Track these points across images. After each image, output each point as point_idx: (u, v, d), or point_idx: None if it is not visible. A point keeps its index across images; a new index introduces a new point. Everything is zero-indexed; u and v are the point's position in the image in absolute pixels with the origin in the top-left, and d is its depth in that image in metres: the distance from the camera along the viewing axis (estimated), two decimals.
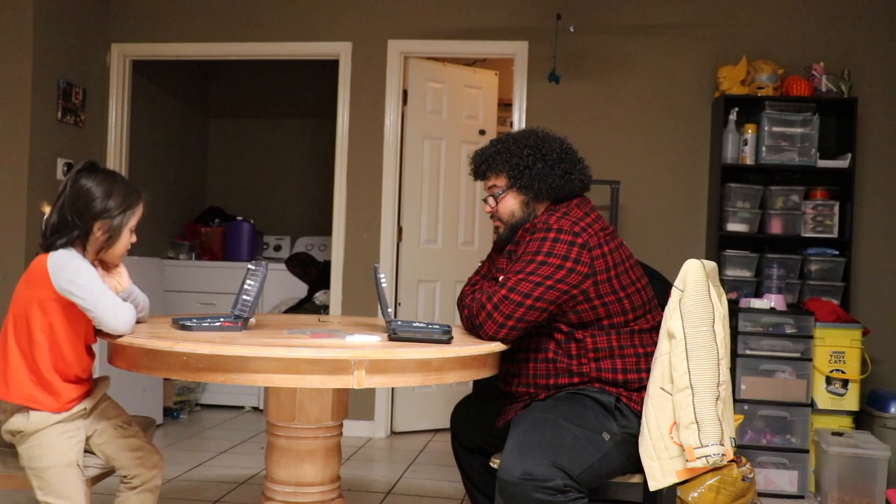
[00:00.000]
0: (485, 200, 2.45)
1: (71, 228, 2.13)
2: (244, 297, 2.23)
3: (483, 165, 2.41)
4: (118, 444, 2.30)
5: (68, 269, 2.09)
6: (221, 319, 2.16)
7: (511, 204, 2.38)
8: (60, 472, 2.14)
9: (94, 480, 2.30)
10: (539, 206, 2.37)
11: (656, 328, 2.26)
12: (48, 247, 2.15)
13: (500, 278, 2.24)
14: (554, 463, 2.04)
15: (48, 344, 2.14)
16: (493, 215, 2.44)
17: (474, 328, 2.20)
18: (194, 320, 2.16)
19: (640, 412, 2.20)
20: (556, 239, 2.19)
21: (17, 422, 2.14)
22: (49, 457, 2.14)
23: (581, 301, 2.20)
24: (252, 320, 2.46)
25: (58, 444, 2.16)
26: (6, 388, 2.15)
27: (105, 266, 2.24)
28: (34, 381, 2.14)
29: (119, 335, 2.05)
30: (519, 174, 2.33)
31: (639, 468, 2.19)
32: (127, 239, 2.22)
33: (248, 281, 2.25)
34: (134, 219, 2.22)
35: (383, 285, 2.28)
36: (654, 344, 2.23)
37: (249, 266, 2.28)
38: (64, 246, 2.14)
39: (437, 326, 2.13)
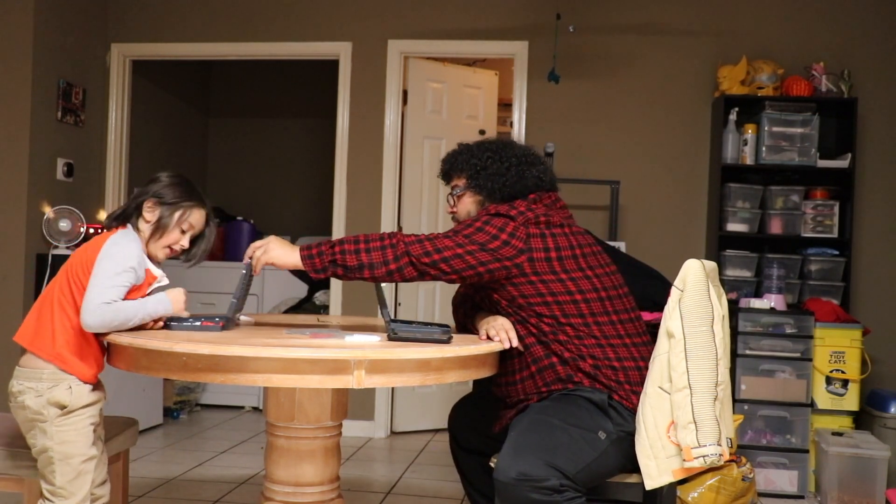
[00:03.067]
0: (447, 200, 2.50)
1: (129, 203, 2.24)
2: (232, 298, 2.23)
3: (446, 166, 2.49)
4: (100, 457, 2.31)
5: (115, 245, 2.14)
6: (203, 319, 2.17)
7: (467, 203, 2.42)
8: (84, 465, 2.14)
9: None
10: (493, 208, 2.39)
11: (623, 318, 2.27)
12: (108, 224, 2.24)
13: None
14: (549, 463, 2.04)
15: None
16: (454, 217, 2.48)
17: (383, 244, 2.18)
18: (178, 320, 2.16)
19: (635, 410, 2.20)
20: (492, 216, 2.24)
21: (61, 394, 2.12)
22: (79, 443, 2.13)
23: (517, 275, 2.21)
24: (247, 319, 2.46)
25: (88, 431, 2.16)
26: (51, 343, 2.13)
27: (151, 259, 2.26)
28: (75, 342, 2.14)
29: (85, 326, 2.06)
30: (475, 174, 2.39)
31: (637, 467, 2.19)
32: (175, 236, 2.24)
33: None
34: (187, 219, 2.24)
35: (382, 285, 2.28)
36: (639, 335, 2.26)
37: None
38: (118, 219, 2.22)
39: (436, 326, 2.13)
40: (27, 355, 2.17)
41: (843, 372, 3.86)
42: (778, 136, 4.19)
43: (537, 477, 2.01)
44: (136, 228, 2.22)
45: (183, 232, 2.25)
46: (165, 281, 2.26)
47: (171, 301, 2.16)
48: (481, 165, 2.38)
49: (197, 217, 2.27)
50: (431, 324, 2.19)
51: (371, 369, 1.90)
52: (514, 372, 2.33)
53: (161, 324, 2.16)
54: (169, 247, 2.25)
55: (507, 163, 2.38)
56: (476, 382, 3.77)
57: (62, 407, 2.12)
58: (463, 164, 2.43)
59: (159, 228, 2.21)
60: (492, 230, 2.20)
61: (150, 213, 2.21)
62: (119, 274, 2.09)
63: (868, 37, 4.40)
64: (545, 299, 2.23)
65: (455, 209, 2.46)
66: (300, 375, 1.88)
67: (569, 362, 2.23)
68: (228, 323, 2.17)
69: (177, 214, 2.22)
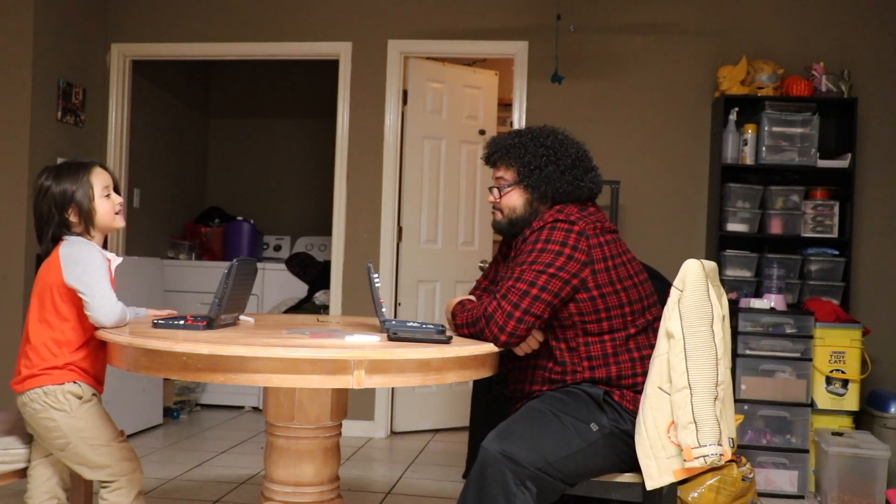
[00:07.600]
0: (490, 189, 2.44)
1: (49, 227, 2.21)
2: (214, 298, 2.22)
3: (496, 154, 2.39)
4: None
5: (78, 265, 2.14)
6: (188, 318, 2.18)
7: (514, 199, 2.36)
8: (115, 445, 2.21)
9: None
10: (542, 208, 2.35)
11: (655, 326, 2.26)
12: (46, 245, 2.23)
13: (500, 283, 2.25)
14: (535, 445, 2.06)
15: (73, 321, 2.19)
16: (496, 207, 2.43)
17: (479, 328, 2.18)
18: (164, 320, 2.17)
19: (632, 410, 2.20)
20: (552, 228, 2.21)
21: (72, 387, 2.18)
22: (104, 429, 2.21)
23: (580, 290, 2.19)
24: (247, 319, 2.46)
25: (106, 418, 2.24)
26: (32, 372, 2.20)
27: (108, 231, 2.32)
28: (56, 355, 2.19)
29: (102, 326, 2.12)
30: (529, 173, 2.31)
31: (629, 466, 2.20)
32: (105, 206, 2.25)
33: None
34: (97, 185, 2.24)
35: (377, 285, 2.27)
36: (651, 346, 2.23)
37: None
38: (54, 237, 2.21)
39: (431, 326, 2.13)
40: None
41: (843, 372, 3.86)
42: (778, 136, 4.19)
43: (519, 459, 2.03)
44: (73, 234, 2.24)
45: (107, 196, 2.25)
46: (119, 259, 2.31)
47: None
48: (536, 164, 2.30)
49: (98, 177, 2.26)
50: (426, 323, 2.19)
51: (371, 369, 1.90)
52: (518, 374, 2.34)
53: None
54: (113, 213, 2.27)
55: (563, 165, 2.30)
56: (476, 382, 3.76)
57: (78, 398, 2.18)
58: (515, 158, 2.33)
59: (89, 215, 2.22)
60: (554, 247, 2.17)
61: (73, 217, 2.22)
62: (97, 269, 2.15)
63: (868, 37, 4.40)
64: (599, 315, 2.21)
65: (499, 201, 2.38)
66: (300, 375, 1.88)
67: (576, 370, 2.25)
68: (212, 322, 2.16)
69: (86, 195, 2.22)
